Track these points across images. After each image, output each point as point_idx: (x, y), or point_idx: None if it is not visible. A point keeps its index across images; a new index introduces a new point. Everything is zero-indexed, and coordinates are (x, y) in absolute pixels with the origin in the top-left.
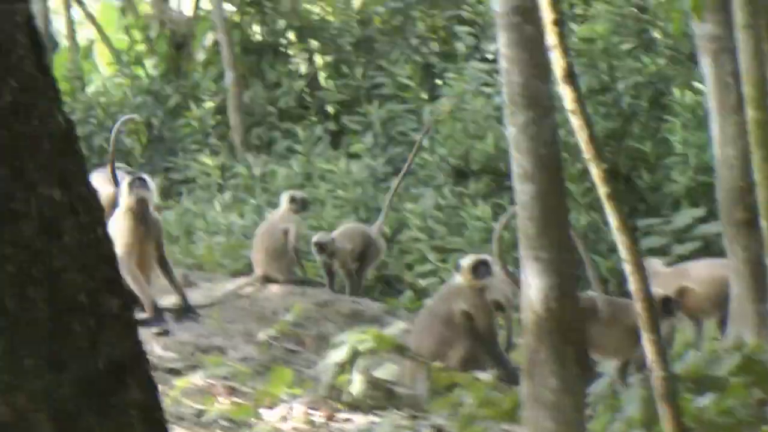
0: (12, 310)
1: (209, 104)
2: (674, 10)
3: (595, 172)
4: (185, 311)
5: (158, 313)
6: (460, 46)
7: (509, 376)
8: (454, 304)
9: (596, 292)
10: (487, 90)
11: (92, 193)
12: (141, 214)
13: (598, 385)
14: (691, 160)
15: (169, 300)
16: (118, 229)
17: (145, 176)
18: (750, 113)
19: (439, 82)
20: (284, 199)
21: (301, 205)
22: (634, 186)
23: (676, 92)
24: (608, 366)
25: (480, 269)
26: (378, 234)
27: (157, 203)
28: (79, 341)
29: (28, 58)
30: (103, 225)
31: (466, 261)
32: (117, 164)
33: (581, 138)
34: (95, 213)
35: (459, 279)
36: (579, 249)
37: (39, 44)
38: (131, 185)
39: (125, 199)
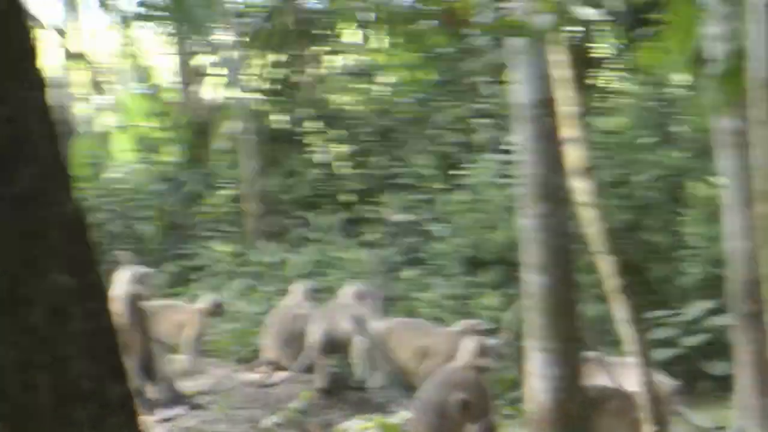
0: (14, 397)
1: (226, 191)
2: (698, 105)
3: (605, 265)
4: (173, 400)
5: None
6: (479, 138)
7: None
8: (449, 394)
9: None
10: (503, 181)
11: (101, 281)
12: (131, 303)
13: None
14: (703, 252)
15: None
16: None
17: (143, 271)
18: (758, 207)
19: (456, 172)
20: (296, 289)
21: (312, 295)
22: (645, 278)
23: (691, 185)
24: None
25: (484, 350)
26: None
27: (149, 293)
28: (82, 429)
29: (44, 144)
30: (110, 313)
31: (475, 343)
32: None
33: (592, 230)
34: (103, 300)
35: (457, 361)
36: (588, 340)
37: (54, 131)
38: (133, 278)
39: (119, 287)
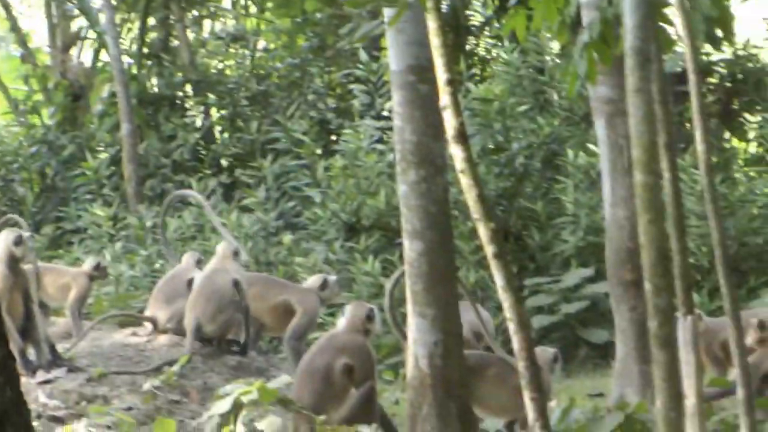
0: None
1: (104, 155)
2: (569, 73)
3: (483, 232)
4: (53, 363)
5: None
6: (356, 103)
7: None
8: (334, 359)
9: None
10: (381, 147)
11: None
12: (12, 265)
13: None
14: (581, 220)
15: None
16: None
17: (23, 233)
18: (638, 176)
19: (333, 138)
20: (188, 257)
21: (200, 264)
22: (524, 245)
23: (569, 153)
24: (494, 424)
25: (369, 315)
26: None
27: (31, 256)
28: None
29: None
30: None
31: (359, 308)
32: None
33: (469, 198)
34: None
35: (342, 327)
36: (471, 306)
37: None
38: (12, 240)
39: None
